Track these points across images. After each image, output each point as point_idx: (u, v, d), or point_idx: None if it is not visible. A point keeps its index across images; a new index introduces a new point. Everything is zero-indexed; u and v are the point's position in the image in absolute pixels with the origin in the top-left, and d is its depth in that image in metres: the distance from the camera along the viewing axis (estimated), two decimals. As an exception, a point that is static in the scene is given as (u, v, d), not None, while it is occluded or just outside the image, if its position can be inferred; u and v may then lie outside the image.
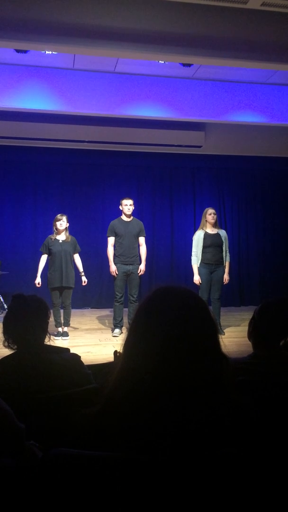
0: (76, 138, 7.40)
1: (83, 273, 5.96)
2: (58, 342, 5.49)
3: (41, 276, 5.93)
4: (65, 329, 5.93)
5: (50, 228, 6.37)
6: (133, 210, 6.12)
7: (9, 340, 1.93)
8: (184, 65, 5.50)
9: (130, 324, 1.04)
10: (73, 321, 6.31)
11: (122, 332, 5.96)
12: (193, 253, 5.97)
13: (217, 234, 5.96)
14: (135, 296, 5.94)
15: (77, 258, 5.95)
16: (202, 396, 0.96)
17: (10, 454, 1.29)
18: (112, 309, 6.22)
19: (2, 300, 6.91)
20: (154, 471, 0.89)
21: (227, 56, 4.89)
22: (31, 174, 7.93)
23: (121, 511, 0.89)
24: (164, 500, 0.88)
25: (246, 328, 2.03)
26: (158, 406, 0.95)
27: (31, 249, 7.65)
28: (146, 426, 0.94)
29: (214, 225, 5.99)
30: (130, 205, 6.04)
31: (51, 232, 6.01)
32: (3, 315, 3.46)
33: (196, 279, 5.89)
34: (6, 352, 1.95)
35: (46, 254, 5.86)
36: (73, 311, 6.24)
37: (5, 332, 1.93)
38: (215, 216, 5.97)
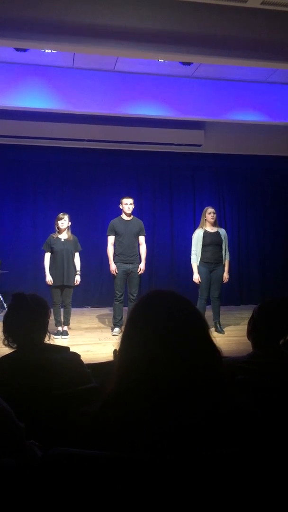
0: (76, 137, 7.39)
1: (78, 272, 5.93)
2: (58, 341, 5.49)
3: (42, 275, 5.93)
4: (65, 328, 5.93)
5: (50, 226, 6.36)
6: (133, 209, 6.12)
7: (9, 339, 1.93)
8: (183, 63, 5.49)
9: (125, 323, 1.11)
10: (73, 320, 6.30)
11: (122, 331, 5.96)
12: (192, 252, 5.96)
13: (217, 233, 5.95)
14: (135, 295, 5.93)
15: (76, 257, 5.94)
16: (198, 388, 0.98)
17: (10, 453, 1.29)
18: (112, 308, 6.22)
19: (2, 299, 6.90)
20: (154, 470, 0.89)
21: (226, 54, 4.89)
22: (31, 173, 7.91)
23: (121, 510, 0.89)
24: (164, 499, 0.88)
25: (246, 327, 2.04)
26: (156, 404, 0.95)
27: (31, 248, 7.64)
28: (145, 425, 0.95)
29: (214, 224, 5.99)
30: (130, 204, 6.04)
31: (51, 231, 6.00)
32: (3, 314, 3.46)
33: (196, 277, 5.89)
34: (6, 350, 1.96)
35: (49, 252, 5.85)
36: (73, 310, 6.24)
37: (5, 331, 1.94)
38: (214, 215, 5.97)
